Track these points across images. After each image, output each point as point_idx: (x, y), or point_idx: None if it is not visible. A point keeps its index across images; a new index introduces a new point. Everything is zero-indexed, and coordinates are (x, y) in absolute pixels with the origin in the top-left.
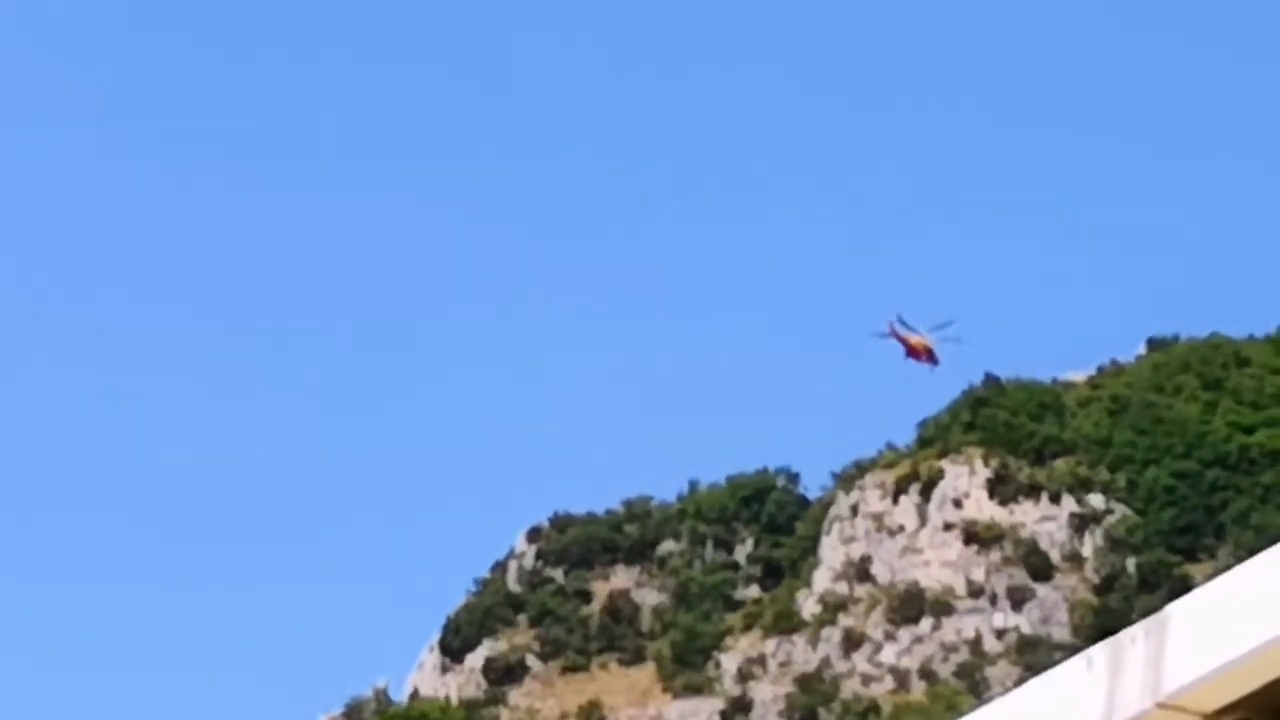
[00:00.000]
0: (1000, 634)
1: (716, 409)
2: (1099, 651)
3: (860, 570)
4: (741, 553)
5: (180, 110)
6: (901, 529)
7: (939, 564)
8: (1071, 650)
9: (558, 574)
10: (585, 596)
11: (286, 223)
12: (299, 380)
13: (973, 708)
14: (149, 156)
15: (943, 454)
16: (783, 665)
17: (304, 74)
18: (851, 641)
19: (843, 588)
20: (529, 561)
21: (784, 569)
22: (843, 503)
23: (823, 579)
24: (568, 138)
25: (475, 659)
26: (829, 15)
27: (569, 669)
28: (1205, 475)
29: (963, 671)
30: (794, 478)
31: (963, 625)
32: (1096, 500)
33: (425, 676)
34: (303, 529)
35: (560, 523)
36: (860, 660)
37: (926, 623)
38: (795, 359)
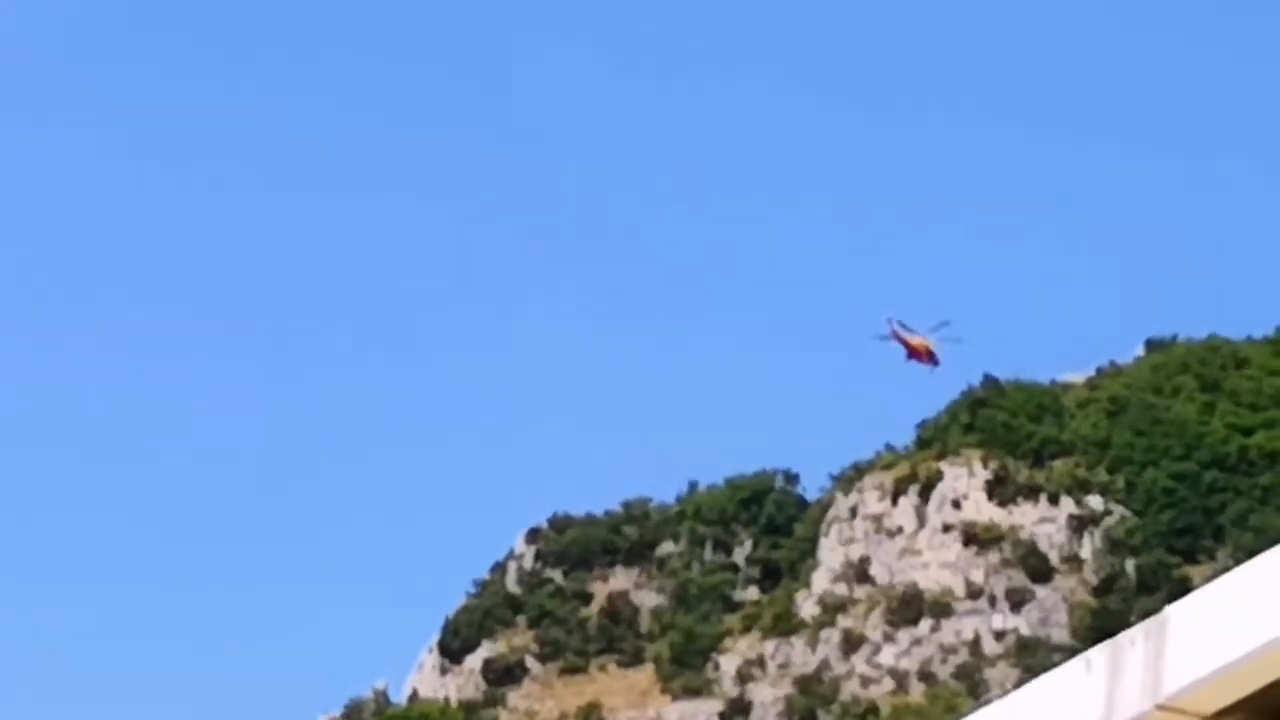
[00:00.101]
0: (999, 636)
1: (716, 409)
2: (1098, 653)
3: (859, 572)
4: (740, 554)
5: (180, 110)
6: (900, 530)
7: (938, 565)
8: (1070, 652)
9: (557, 575)
10: (584, 598)
11: (286, 223)
12: (299, 380)
13: (971, 709)
14: (149, 156)
15: (941, 455)
16: (782, 667)
17: (304, 74)
18: (850, 643)
19: (841, 589)
20: (528, 563)
21: (783, 570)
22: (841, 504)
23: (821, 580)
24: (568, 138)
25: (474, 660)
26: (829, 15)
27: (568, 670)
28: (1204, 477)
29: (961, 673)
30: (793, 479)
31: (961, 627)
32: (1095, 502)
33: (424, 677)
34: (303, 529)
35: (559, 524)
36: (859, 662)
37: (925, 624)
38: (795, 359)
